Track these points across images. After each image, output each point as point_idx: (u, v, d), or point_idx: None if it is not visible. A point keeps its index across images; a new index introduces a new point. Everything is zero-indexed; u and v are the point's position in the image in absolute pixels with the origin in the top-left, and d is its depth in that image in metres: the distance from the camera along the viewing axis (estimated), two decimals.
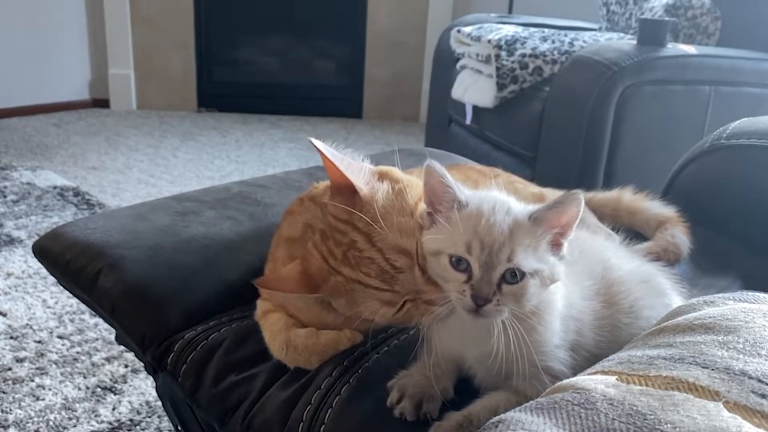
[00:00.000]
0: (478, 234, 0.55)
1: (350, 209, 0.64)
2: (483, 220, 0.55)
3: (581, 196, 0.56)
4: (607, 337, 0.62)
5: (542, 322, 0.57)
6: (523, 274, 0.54)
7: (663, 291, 0.68)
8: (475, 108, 2.25)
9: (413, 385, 0.61)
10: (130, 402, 1.36)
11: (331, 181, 0.67)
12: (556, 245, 0.57)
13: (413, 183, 0.68)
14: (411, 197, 0.65)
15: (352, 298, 0.64)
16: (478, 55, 2.20)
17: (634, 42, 1.80)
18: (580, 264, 0.64)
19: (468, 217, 0.57)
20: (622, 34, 2.26)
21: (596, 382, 0.44)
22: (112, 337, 1.56)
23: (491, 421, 0.43)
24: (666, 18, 1.97)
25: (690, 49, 1.81)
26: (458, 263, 0.55)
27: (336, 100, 3.96)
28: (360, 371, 0.68)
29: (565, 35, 2.11)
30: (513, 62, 2.02)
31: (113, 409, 1.34)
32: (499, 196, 0.60)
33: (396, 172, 0.69)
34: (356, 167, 0.66)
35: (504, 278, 0.54)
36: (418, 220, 0.63)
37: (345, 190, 0.65)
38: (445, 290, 0.57)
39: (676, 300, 0.69)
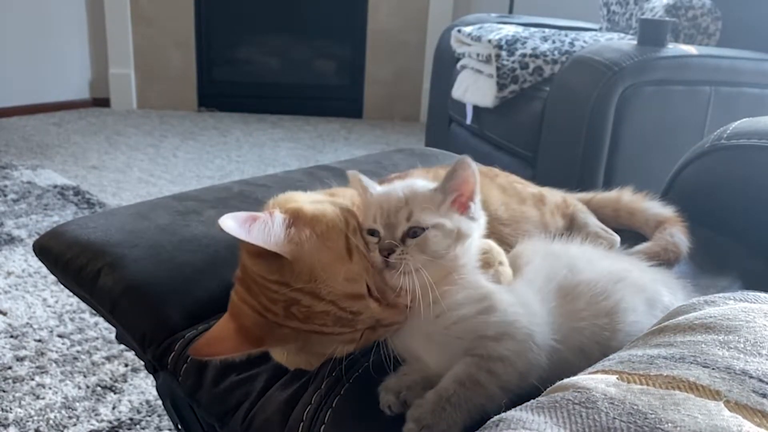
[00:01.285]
0: (381, 206, 0.64)
1: (279, 270, 0.60)
2: (384, 197, 0.65)
3: (468, 158, 0.64)
4: (570, 337, 0.62)
5: (457, 280, 0.62)
6: (423, 229, 0.61)
7: (641, 287, 0.67)
8: (476, 108, 2.25)
9: (395, 381, 0.63)
10: (130, 401, 1.36)
11: (248, 249, 0.62)
12: (463, 207, 0.65)
13: (328, 214, 0.64)
14: (337, 233, 0.62)
15: (307, 343, 0.62)
16: (478, 55, 2.20)
17: (635, 42, 1.81)
18: (537, 264, 0.67)
19: (376, 198, 0.66)
20: (622, 35, 2.26)
21: (597, 381, 0.44)
22: (113, 336, 1.56)
23: (492, 420, 0.44)
24: (666, 18, 1.97)
25: (690, 49, 1.81)
26: (372, 234, 0.63)
27: (336, 99, 3.96)
28: (360, 371, 0.68)
29: (566, 35, 2.12)
30: (513, 62, 2.02)
31: (113, 408, 1.34)
32: (409, 180, 0.69)
33: (305, 208, 0.64)
34: (270, 227, 0.60)
35: (408, 235, 0.61)
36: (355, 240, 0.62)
37: (266, 254, 0.60)
38: (371, 259, 0.63)
39: (661, 290, 0.68)
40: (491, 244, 0.68)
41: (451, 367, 0.61)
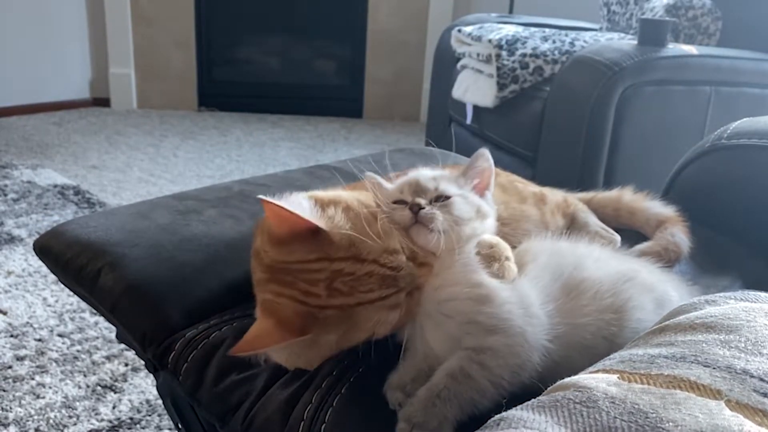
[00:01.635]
0: (409, 182, 0.69)
1: (318, 248, 0.62)
2: (407, 177, 0.71)
3: (487, 152, 0.72)
4: (573, 334, 0.62)
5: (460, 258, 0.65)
6: (449, 198, 0.67)
7: (650, 286, 0.67)
8: (476, 108, 2.25)
9: (398, 377, 0.63)
10: (130, 400, 1.36)
11: (280, 229, 0.64)
12: (481, 193, 0.71)
13: (343, 196, 0.68)
14: (357, 207, 0.66)
15: (352, 323, 0.63)
16: (478, 54, 2.20)
17: (635, 42, 1.81)
18: (543, 261, 0.68)
19: (403, 179, 0.71)
20: (622, 35, 2.26)
21: (598, 380, 0.44)
22: (113, 335, 1.56)
23: (493, 419, 0.44)
24: (667, 18, 1.97)
25: (690, 49, 1.81)
26: (399, 203, 0.67)
27: (336, 99, 3.96)
28: (360, 370, 0.68)
29: (566, 35, 2.12)
30: (513, 62, 2.02)
31: (113, 407, 1.34)
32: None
33: (320, 193, 0.68)
34: (303, 206, 0.64)
35: (435, 201, 0.67)
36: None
37: (301, 234, 0.63)
38: (395, 221, 0.66)
39: (669, 291, 0.68)
40: (498, 239, 0.69)
41: (447, 348, 0.61)
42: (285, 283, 0.63)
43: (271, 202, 0.61)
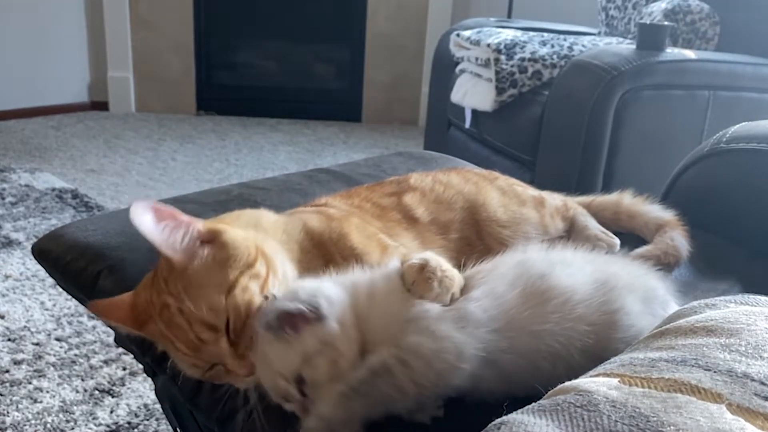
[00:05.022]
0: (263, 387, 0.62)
1: (168, 271, 0.63)
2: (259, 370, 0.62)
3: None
4: (532, 342, 0.60)
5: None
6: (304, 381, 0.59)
7: (631, 286, 0.65)
8: (475, 112, 2.25)
9: None
10: (128, 405, 1.36)
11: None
12: (296, 326, 0.60)
13: (240, 247, 0.64)
14: (233, 266, 0.63)
15: (168, 348, 0.65)
16: (477, 59, 2.20)
17: (633, 47, 1.81)
18: (502, 271, 0.65)
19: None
20: (621, 39, 2.27)
21: (598, 384, 0.44)
22: (110, 339, 1.55)
23: (493, 423, 0.43)
24: (665, 23, 1.98)
25: (689, 53, 1.82)
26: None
27: (335, 103, 3.96)
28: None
29: (565, 39, 2.12)
30: (512, 66, 2.03)
31: (111, 411, 1.34)
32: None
33: (226, 233, 0.65)
34: (180, 232, 0.62)
35: (303, 393, 0.59)
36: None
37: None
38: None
39: (651, 282, 0.67)
40: (427, 256, 0.63)
41: None
42: (154, 281, 0.66)
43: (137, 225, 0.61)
